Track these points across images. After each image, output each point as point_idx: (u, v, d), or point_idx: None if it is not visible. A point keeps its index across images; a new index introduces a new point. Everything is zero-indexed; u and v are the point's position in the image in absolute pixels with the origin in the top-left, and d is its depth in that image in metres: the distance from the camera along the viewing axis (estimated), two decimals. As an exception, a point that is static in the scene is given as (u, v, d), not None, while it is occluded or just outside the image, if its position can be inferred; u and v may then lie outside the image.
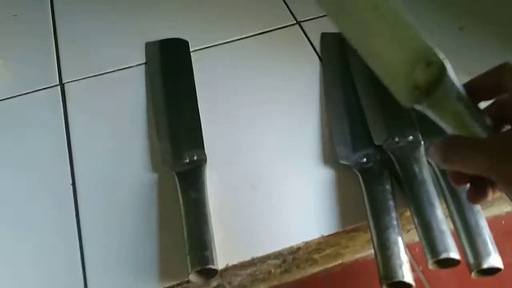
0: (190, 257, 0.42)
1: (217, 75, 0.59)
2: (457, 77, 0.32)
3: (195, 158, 0.49)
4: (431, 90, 0.31)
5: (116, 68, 0.61)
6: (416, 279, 0.46)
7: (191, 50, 0.62)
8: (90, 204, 0.49)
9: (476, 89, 0.33)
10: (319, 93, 0.57)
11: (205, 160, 0.49)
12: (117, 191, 0.50)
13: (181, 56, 0.61)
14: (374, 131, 0.51)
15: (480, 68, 0.57)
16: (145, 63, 0.61)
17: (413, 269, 0.47)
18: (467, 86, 0.33)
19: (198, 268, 0.41)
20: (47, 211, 0.49)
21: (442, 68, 0.31)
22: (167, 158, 0.50)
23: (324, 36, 0.63)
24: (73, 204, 0.50)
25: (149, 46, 0.63)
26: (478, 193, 0.34)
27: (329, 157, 0.51)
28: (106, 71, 0.61)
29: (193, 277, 0.42)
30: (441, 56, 0.32)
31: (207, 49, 0.62)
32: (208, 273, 0.42)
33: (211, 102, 0.56)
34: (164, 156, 0.51)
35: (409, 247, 0.49)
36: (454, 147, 0.32)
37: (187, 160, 0.49)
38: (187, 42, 0.62)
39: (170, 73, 0.59)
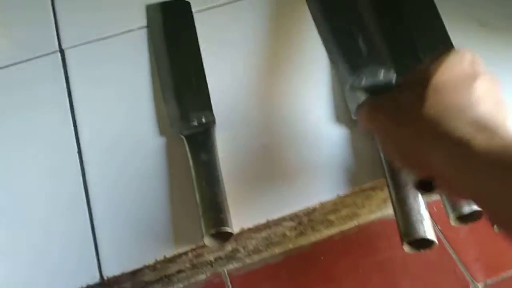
0: (204, 220, 0.41)
1: (221, 36, 0.57)
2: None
3: (203, 120, 0.48)
4: None
5: (118, 32, 0.58)
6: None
7: (193, 11, 0.59)
8: (97, 171, 0.48)
9: None
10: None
11: (213, 122, 0.48)
12: (125, 157, 0.48)
13: (183, 18, 0.59)
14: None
15: (492, 17, 0.55)
16: (147, 26, 0.59)
17: (432, 227, 0.46)
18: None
19: (213, 231, 0.40)
20: (52, 180, 0.48)
21: None
22: (174, 121, 0.49)
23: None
24: (80, 172, 0.48)
25: (150, 9, 0.60)
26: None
27: (342, 114, 0.49)
28: (108, 35, 0.58)
29: (208, 241, 0.41)
30: None
31: (211, 9, 0.60)
32: (223, 237, 0.41)
33: (217, 63, 0.54)
34: (172, 120, 0.49)
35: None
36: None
37: (195, 123, 0.47)
38: (188, 3, 0.60)
39: (173, 36, 0.57)
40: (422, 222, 0.39)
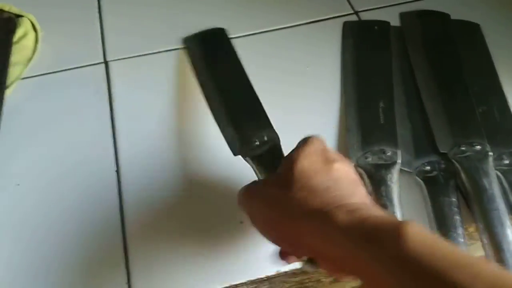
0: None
1: (254, 63, 0.56)
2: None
3: (265, 138, 0.46)
4: None
5: (159, 50, 0.58)
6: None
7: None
8: (133, 189, 0.47)
9: None
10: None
11: (277, 138, 0.46)
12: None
13: (221, 44, 0.58)
14: (438, 137, 0.48)
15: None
16: (185, 47, 0.58)
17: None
18: None
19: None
20: (91, 197, 0.47)
21: None
22: (234, 145, 0.47)
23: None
24: (117, 191, 0.47)
25: (188, 40, 0.59)
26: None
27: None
28: (149, 52, 0.58)
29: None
30: None
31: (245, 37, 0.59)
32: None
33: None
34: (232, 144, 0.47)
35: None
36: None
37: (258, 143, 0.46)
38: (223, 29, 0.59)
39: (214, 61, 0.56)
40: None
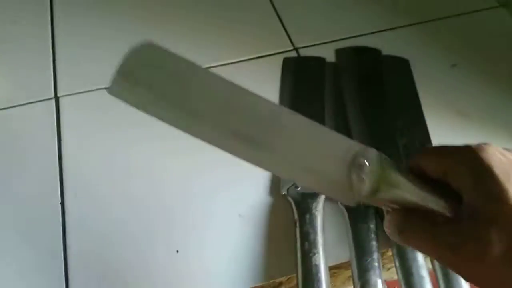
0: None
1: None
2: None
3: None
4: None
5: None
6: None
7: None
8: (79, 224, 0.50)
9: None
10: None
11: None
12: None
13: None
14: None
15: (469, 106, 0.58)
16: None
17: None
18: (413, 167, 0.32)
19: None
20: (34, 234, 0.49)
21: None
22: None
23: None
24: (61, 223, 0.50)
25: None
26: None
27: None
28: (103, 87, 0.61)
29: None
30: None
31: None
32: None
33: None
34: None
35: (388, 284, 0.50)
36: (410, 224, 0.31)
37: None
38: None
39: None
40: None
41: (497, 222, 0.27)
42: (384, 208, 0.33)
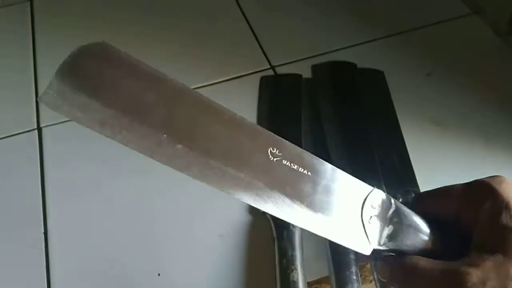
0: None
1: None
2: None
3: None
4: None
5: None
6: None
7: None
8: (61, 253, 0.50)
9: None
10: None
11: None
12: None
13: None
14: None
15: (445, 115, 0.59)
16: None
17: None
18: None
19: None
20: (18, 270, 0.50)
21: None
22: None
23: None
24: (44, 251, 0.50)
25: None
26: None
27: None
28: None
29: None
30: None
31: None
32: None
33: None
34: None
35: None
36: (413, 274, 0.30)
37: None
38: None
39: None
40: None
41: None
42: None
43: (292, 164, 0.31)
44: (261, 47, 0.69)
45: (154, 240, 0.50)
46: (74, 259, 0.50)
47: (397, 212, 0.32)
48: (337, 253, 0.46)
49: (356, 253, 0.47)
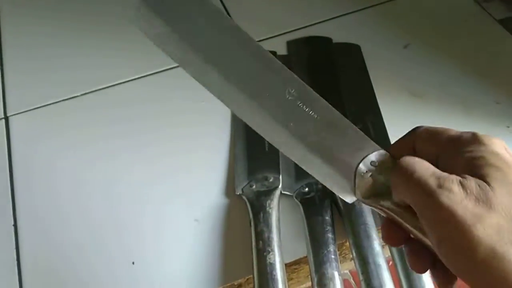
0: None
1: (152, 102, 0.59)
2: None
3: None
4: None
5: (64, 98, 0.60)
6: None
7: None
8: (32, 241, 0.49)
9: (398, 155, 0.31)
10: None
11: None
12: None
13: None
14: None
15: (423, 86, 0.58)
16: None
17: (356, 298, 0.47)
18: (390, 153, 0.32)
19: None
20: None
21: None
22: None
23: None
24: (14, 243, 0.49)
25: None
26: (443, 278, 0.29)
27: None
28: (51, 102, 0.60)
29: None
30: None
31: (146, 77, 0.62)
32: None
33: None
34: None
35: (353, 274, 0.50)
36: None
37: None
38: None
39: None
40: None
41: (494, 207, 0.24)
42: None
43: (304, 106, 0.32)
44: (234, 25, 0.67)
45: (127, 228, 0.49)
46: (44, 249, 0.48)
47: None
48: (314, 233, 0.45)
49: (334, 232, 0.46)
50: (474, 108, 0.56)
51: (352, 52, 0.62)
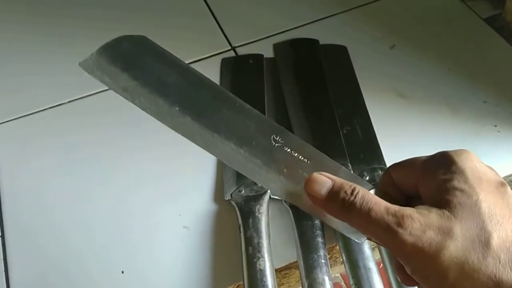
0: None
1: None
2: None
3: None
4: None
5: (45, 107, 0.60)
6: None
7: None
8: (20, 252, 0.48)
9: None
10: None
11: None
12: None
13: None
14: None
15: (409, 87, 0.58)
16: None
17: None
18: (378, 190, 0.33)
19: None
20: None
21: None
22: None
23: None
24: (1, 253, 0.48)
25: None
26: None
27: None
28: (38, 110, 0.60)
29: None
30: None
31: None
32: None
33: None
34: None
35: (344, 277, 0.50)
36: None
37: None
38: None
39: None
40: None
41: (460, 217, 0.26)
42: None
43: (292, 152, 0.33)
44: (221, 29, 0.67)
45: (117, 237, 0.48)
46: (32, 259, 0.48)
47: None
48: (304, 238, 0.45)
49: (323, 236, 0.46)
50: (461, 108, 0.56)
51: (339, 54, 0.62)
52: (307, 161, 0.33)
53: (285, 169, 0.32)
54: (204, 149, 0.32)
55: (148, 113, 0.33)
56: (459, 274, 0.25)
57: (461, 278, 0.25)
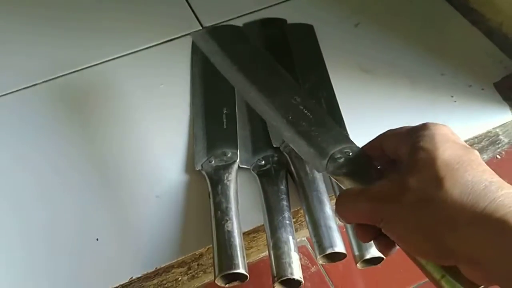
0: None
1: (112, 88, 0.60)
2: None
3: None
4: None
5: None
6: (316, 272, 0.49)
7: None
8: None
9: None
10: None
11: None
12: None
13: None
14: (272, 133, 0.53)
15: (373, 62, 0.61)
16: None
17: (313, 262, 0.50)
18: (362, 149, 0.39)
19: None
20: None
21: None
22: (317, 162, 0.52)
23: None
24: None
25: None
26: (384, 246, 0.34)
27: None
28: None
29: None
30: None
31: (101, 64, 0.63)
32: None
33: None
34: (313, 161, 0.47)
35: (309, 241, 0.52)
36: (343, 197, 0.35)
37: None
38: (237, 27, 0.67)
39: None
40: (290, 264, 0.43)
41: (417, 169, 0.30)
42: None
43: (305, 110, 0.45)
44: (192, 8, 0.69)
45: (91, 206, 0.50)
46: (11, 228, 0.50)
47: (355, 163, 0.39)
48: (270, 202, 0.48)
49: (288, 199, 0.48)
50: (421, 81, 0.59)
51: (306, 32, 0.65)
52: (311, 117, 0.44)
53: (290, 116, 0.44)
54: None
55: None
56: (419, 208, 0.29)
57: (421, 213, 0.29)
